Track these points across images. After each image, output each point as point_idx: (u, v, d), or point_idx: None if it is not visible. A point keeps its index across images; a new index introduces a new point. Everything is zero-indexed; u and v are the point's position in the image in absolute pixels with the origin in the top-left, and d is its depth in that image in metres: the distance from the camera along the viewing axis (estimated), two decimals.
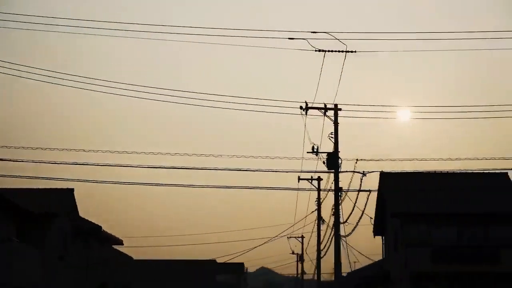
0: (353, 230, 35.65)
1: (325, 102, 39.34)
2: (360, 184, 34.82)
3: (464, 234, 34.97)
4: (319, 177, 47.04)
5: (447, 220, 35.25)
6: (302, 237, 66.84)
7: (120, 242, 42.37)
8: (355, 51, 31.52)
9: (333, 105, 40.46)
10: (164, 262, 70.71)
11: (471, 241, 34.81)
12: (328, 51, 31.33)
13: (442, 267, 34.06)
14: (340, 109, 39.81)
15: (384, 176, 37.67)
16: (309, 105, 39.16)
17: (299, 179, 46.44)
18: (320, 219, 46.40)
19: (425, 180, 37.45)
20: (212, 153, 37.00)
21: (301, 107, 38.54)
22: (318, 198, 46.04)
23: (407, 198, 36.20)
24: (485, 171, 37.67)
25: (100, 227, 38.34)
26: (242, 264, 76.65)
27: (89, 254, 37.70)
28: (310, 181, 47.28)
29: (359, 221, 33.83)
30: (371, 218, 39.14)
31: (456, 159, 39.81)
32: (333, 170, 39.21)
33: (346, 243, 41.10)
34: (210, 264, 71.40)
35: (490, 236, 34.92)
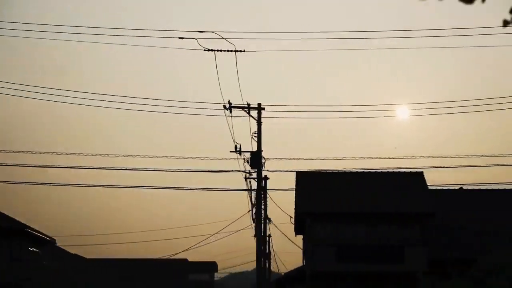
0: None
1: (248, 102, 39.82)
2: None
3: (372, 233, 35.00)
4: (265, 176, 47.40)
5: (355, 219, 35.34)
6: (269, 235, 66.97)
7: (46, 242, 42.80)
8: (244, 51, 31.81)
9: (257, 104, 40.99)
10: (133, 262, 71.17)
11: (379, 240, 34.84)
12: (217, 50, 31.61)
13: (346, 266, 34.13)
14: (263, 109, 40.23)
15: (300, 176, 37.81)
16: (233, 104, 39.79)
17: (245, 178, 46.69)
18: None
19: (341, 179, 37.56)
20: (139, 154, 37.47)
21: (224, 107, 39.07)
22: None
23: (318, 197, 36.32)
24: (401, 171, 37.85)
25: (25, 225, 38.80)
26: (214, 263, 76.94)
27: (11, 252, 38.20)
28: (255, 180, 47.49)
29: None
30: (291, 217, 39.38)
31: (377, 157, 40.04)
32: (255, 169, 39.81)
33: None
34: (182, 263, 71.68)
35: (398, 236, 34.93)
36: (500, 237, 35.78)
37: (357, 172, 37.54)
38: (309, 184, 37.32)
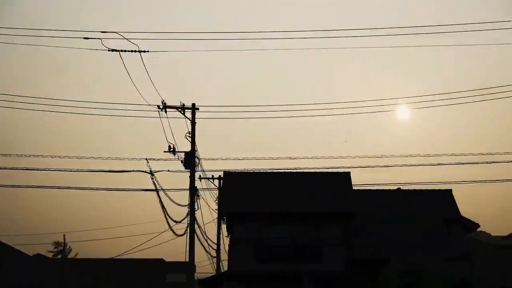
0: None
1: (182, 101, 39.95)
2: None
3: (293, 233, 35.00)
4: (200, 176, 47.33)
5: (276, 220, 35.36)
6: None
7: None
8: (148, 51, 31.87)
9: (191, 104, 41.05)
10: (108, 261, 71.10)
11: (299, 240, 34.84)
12: (121, 51, 31.64)
13: (265, 266, 34.14)
14: (197, 109, 40.35)
15: (226, 176, 37.86)
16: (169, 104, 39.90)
17: (200, 178, 46.77)
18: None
19: (267, 179, 37.56)
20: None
21: (158, 107, 39.27)
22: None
23: (240, 197, 36.36)
24: (329, 171, 37.76)
25: None
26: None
27: None
28: (211, 180, 47.50)
29: None
30: (214, 219, 39.50)
31: (304, 157, 39.91)
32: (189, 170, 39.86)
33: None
34: (158, 263, 71.70)
35: (317, 236, 34.92)
36: (420, 238, 35.81)
37: (284, 172, 37.50)
38: (234, 184, 37.39)
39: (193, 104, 40.15)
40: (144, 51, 31.81)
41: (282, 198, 36.00)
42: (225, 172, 38.16)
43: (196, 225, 47.67)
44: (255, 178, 37.73)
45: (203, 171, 39.77)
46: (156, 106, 39.09)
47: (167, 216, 39.54)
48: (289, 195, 36.19)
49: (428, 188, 39.83)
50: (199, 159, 39.64)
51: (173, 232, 36.85)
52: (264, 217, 35.33)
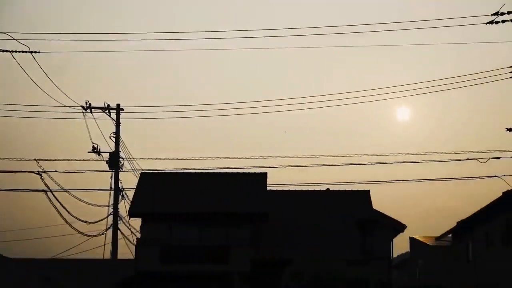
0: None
1: (106, 102, 39.80)
2: None
3: (202, 234, 34.94)
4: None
5: (185, 220, 35.26)
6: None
7: None
8: (39, 52, 31.60)
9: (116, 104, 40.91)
10: (54, 262, 70.69)
11: (207, 241, 34.79)
12: (12, 51, 31.31)
13: (171, 267, 34.04)
14: (122, 109, 40.21)
15: (142, 176, 37.79)
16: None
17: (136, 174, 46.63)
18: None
19: (183, 180, 37.50)
20: None
21: (83, 107, 39.13)
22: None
23: (151, 198, 36.22)
24: (246, 172, 37.80)
25: None
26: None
27: None
28: None
29: None
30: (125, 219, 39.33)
31: (216, 158, 39.80)
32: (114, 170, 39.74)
33: None
34: (106, 263, 71.11)
35: (226, 236, 34.89)
36: (332, 239, 35.94)
37: (201, 173, 37.43)
38: (149, 184, 37.28)
39: (118, 105, 40.06)
40: (36, 52, 31.37)
41: (194, 198, 35.90)
42: (142, 173, 38.09)
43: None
44: (172, 179, 37.64)
45: (135, 170, 39.67)
46: (81, 107, 39.19)
47: (62, 217, 38.80)
48: (202, 195, 36.11)
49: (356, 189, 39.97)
50: (123, 160, 39.62)
51: (82, 233, 36.98)
52: (174, 217, 35.23)
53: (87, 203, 36.19)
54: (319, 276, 31.28)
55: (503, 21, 28.48)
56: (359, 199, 38.67)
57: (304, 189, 39.76)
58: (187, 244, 34.55)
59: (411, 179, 34.80)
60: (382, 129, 79.74)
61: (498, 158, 28.47)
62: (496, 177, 28.60)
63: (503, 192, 30.04)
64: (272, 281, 33.83)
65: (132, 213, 36.00)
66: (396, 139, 77.76)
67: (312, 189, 40.18)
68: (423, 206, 78.60)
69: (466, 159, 29.07)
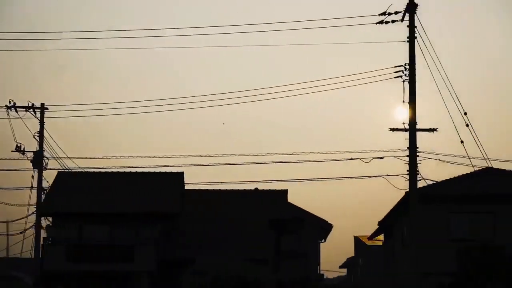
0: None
1: (30, 101, 40.09)
2: None
3: (110, 233, 35.14)
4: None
5: (97, 220, 35.40)
6: None
7: None
8: None
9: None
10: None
11: (114, 240, 34.99)
12: None
13: (76, 266, 34.23)
14: (47, 108, 40.51)
15: (59, 176, 38.04)
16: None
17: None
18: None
19: (99, 179, 37.63)
20: None
21: (6, 106, 39.50)
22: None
23: (64, 197, 36.37)
24: (162, 171, 38.00)
25: None
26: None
27: None
28: None
29: None
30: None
31: (126, 156, 39.70)
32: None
33: None
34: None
35: (133, 235, 35.07)
36: (244, 239, 36.06)
37: (118, 173, 37.62)
38: (65, 184, 37.45)
39: (42, 104, 40.39)
40: None
41: (107, 198, 36.05)
42: (58, 172, 38.34)
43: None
44: (90, 178, 37.83)
45: (69, 169, 39.90)
46: (4, 106, 39.58)
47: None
48: (115, 195, 36.25)
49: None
50: (47, 159, 39.91)
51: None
52: (83, 217, 35.40)
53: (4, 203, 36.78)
54: (219, 276, 31.35)
55: (393, 21, 28.63)
56: (276, 198, 38.76)
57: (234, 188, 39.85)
58: (95, 243, 34.74)
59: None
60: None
61: (382, 158, 28.44)
62: (380, 177, 28.56)
63: (405, 192, 29.95)
64: (176, 280, 34.02)
65: (41, 213, 36.28)
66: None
67: (242, 189, 40.27)
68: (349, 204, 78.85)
69: (350, 159, 29.06)
